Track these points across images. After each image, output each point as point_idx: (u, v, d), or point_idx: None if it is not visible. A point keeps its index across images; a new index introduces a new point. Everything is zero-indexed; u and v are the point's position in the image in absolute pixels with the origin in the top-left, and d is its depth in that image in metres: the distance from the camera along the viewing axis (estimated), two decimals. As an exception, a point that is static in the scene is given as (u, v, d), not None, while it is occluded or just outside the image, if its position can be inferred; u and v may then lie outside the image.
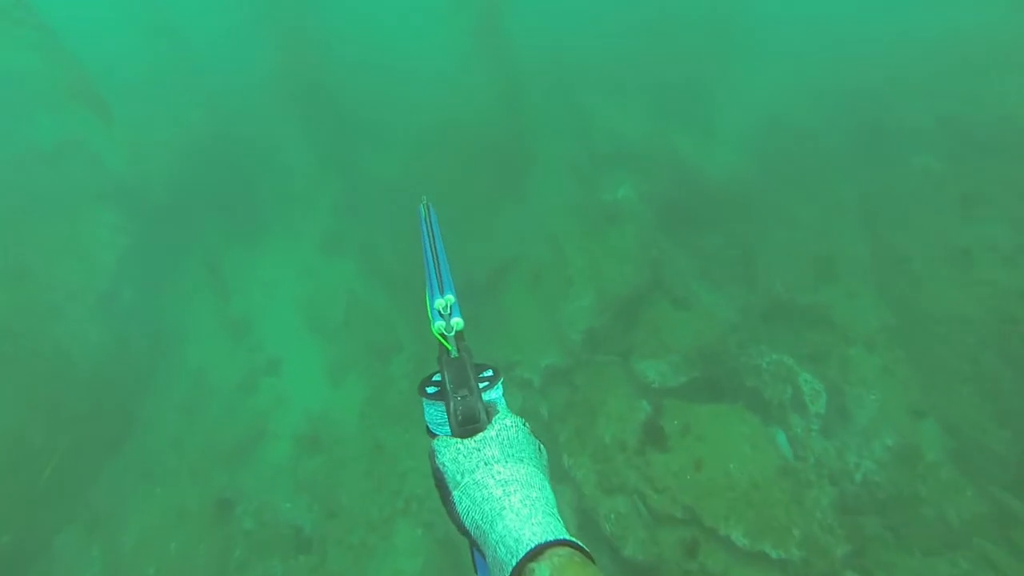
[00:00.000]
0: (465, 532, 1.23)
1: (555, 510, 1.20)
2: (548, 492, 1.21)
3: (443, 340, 1.57)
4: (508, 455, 1.26)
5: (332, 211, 14.02)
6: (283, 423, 10.25)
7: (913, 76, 13.52)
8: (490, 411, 1.39)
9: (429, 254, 1.79)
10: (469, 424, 1.35)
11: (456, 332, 1.59)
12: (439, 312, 1.61)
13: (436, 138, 13.96)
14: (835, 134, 12.86)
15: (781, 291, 9.12)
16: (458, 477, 1.24)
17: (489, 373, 1.51)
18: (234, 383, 10.87)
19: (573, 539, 1.11)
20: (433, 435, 1.44)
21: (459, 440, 1.32)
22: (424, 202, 1.95)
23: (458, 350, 1.54)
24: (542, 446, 1.36)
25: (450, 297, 1.63)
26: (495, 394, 1.49)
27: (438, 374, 1.51)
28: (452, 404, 1.38)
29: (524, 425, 1.37)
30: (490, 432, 1.32)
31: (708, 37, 16.72)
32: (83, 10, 19.52)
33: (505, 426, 1.33)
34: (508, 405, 1.51)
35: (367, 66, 16.84)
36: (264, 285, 12.63)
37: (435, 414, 1.46)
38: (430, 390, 1.48)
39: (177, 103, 14.36)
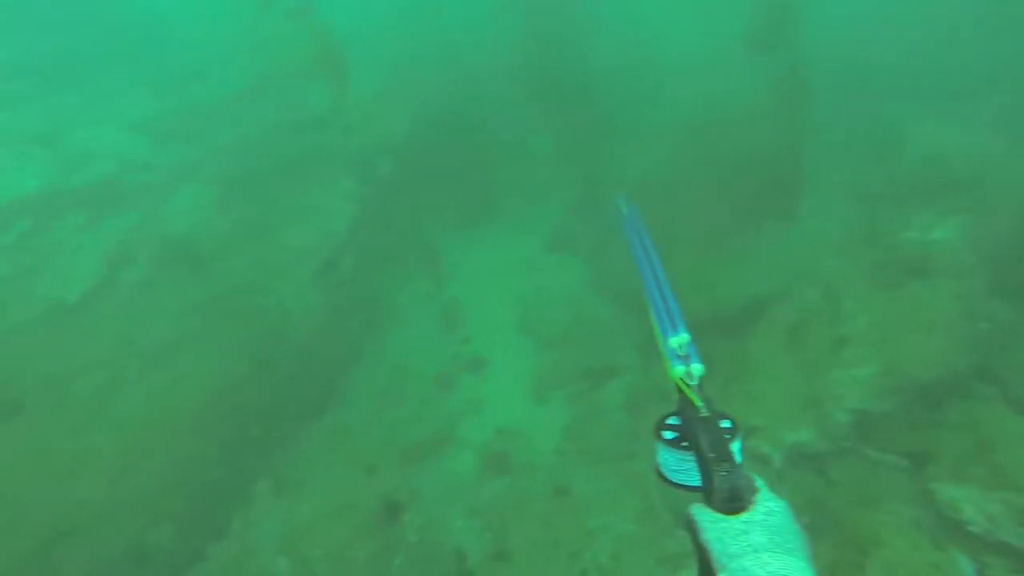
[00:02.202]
0: None
1: None
2: None
3: (686, 389, 1.43)
4: (776, 544, 1.15)
5: (567, 208, 12.89)
6: (473, 431, 9.37)
7: None
8: (752, 487, 1.24)
9: (646, 270, 1.67)
10: (733, 503, 1.21)
11: (698, 379, 1.45)
12: (675, 353, 1.49)
13: (695, 139, 12.07)
14: None
15: None
16: (724, 560, 1.14)
17: (727, 424, 1.39)
18: (434, 375, 10.28)
19: None
20: (668, 481, 1.41)
21: (723, 517, 1.20)
22: (624, 199, 1.87)
23: (706, 405, 1.39)
24: (805, 535, 1.22)
25: (685, 336, 1.53)
26: (735, 449, 1.35)
27: (674, 416, 1.45)
28: (715, 479, 1.25)
29: (789, 509, 1.25)
30: (756, 516, 1.19)
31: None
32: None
33: (771, 510, 1.21)
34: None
35: (629, 50, 15.34)
36: (483, 276, 11.94)
37: (673, 461, 1.41)
38: (667, 435, 1.43)
39: (422, 80, 14.28)
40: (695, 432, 1.37)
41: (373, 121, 12.36)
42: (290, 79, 14.27)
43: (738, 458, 1.36)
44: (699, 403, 1.41)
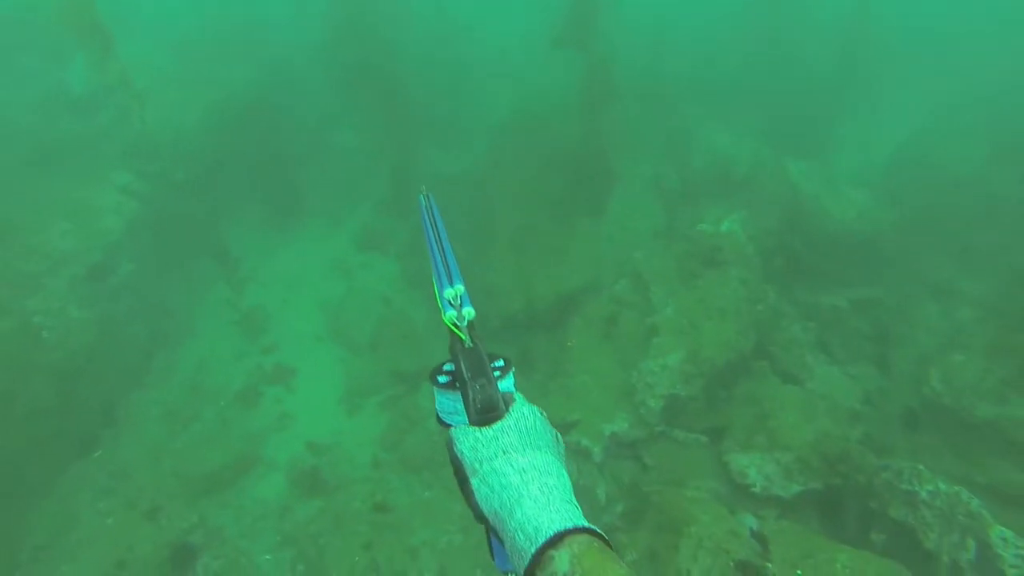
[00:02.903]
0: (483, 519, 1.22)
1: (572, 497, 1.20)
2: (565, 479, 1.22)
3: (456, 329, 1.47)
4: (526, 443, 1.25)
5: (377, 205, 12.25)
6: (281, 449, 8.48)
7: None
8: (507, 400, 1.36)
9: (433, 242, 1.69)
10: (488, 413, 1.31)
11: (468, 322, 1.48)
12: (449, 302, 1.52)
13: (505, 136, 12.05)
14: (995, 171, 10.42)
15: (942, 390, 6.84)
16: (476, 465, 1.24)
17: (501, 363, 1.47)
18: (234, 389, 9.17)
19: (591, 526, 1.11)
20: (446, 424, 1.45)
21: (477, 428, 1.29)
22: (424, 192, 1.85)
23: (472, 339, 1.44)
24: (559, 434, 1.36)
25: (460, 287, 1.54)
26: (508, 383, 1.45)
27: (449, 363, 1.48)
28: (471, 393, 1.34)
29: (541, 414, 1.36)
30: (508, 421, 1.30)
31: (830, 51, 14.39)
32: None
33: (523, 415, 1.32)
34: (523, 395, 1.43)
35: (438, 45, 14.97)
36: (287, 278, 10.93)
37: (447, 403, 1.46)
38: (442, 379, 1.46)
39: (220, 59, 12.77)
40: (458, 362, 1.41)
41: (157, 105, 10.68)
42: (38, 51, 11.96)
43: (511, 387, 1.44)
44: (464, 337, 1.44)
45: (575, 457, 7.34)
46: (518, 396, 1.39)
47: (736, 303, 8.08)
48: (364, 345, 9.73)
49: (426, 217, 1.82)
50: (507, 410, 1.32)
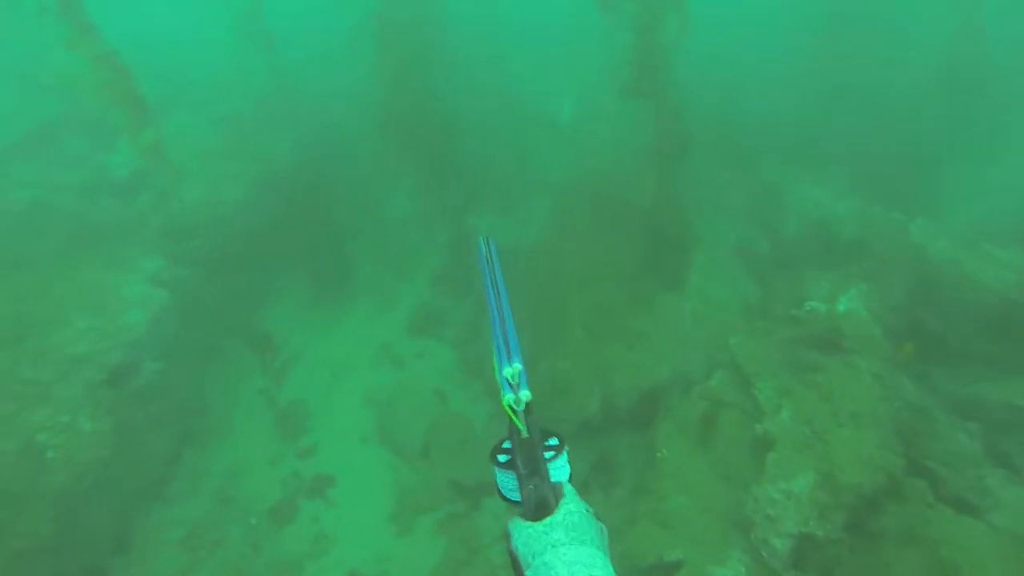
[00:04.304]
0: None
1: None
2: (610, 570, 1.29)
3: (513, 416, 1.55)
4: (573, 538, 1.33)
5: (432, 282, 11.14)
6: (318, 582, 7.17)
7: None
8: (558, 494, 1.44)
9: (494, 305, 1.75)
10: (540, 511, 1.40)
11: (526, 404, 1.54)
12: (508, 381, 1.57)
13: (570, 199, 10.85)
14: None
15: None
16: (529, 559, 1.33)
17: (555, 442, 1.56)
18: (267, 503, 7.97)
19: None
20: (506, 499, 1.54)
21: (530, 524, 1.38)
22: (485, 237, 1.93)
23: (528, 429, 1.54)
24: (604, 527, 1.43)
25: (518, 365, 1.58)
26: (561, 463, 1.55)
27: (508, 440, 1.56)
28: (525, 492, 1.44)
29: (587, 510, 1.43)
30: (557, 517, 1.38)
31: (931, 85, 12.72)
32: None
33: (570, 511, 1.39)
34: (574, 475, 1.57)
35: (495, 101, 14.05)
36: (331, 366, 9.81)
37: (507, 481, 1.53)
38: (502, 459, 1.54)
39: (263, 131, 12.16)
40: (514, 454, 1.52)
41: (195, 184, 10.02)
42: (79, 129, 11.61)
43: (567, 470, 1.57)
44: (521, 425, 1.52)
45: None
46: (568, 490, 1.45)
47: (872, 403, 6.43)
48: (416, 450, 8.44)
49: (486, 268, 1.87)
50: (557, 505, 1.40)
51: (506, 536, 1.42)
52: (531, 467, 1.46)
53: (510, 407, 1.54)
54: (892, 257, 8.78)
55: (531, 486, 1.44)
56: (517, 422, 1.53)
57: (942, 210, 11.04)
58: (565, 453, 1.57)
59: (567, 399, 7.97)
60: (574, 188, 10.97)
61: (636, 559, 6.06)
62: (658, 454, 6.92)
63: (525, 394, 1.54)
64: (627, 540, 6.26)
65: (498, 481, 1.55)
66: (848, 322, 7.33)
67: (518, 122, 13.62)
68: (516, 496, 1.50)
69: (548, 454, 1.52)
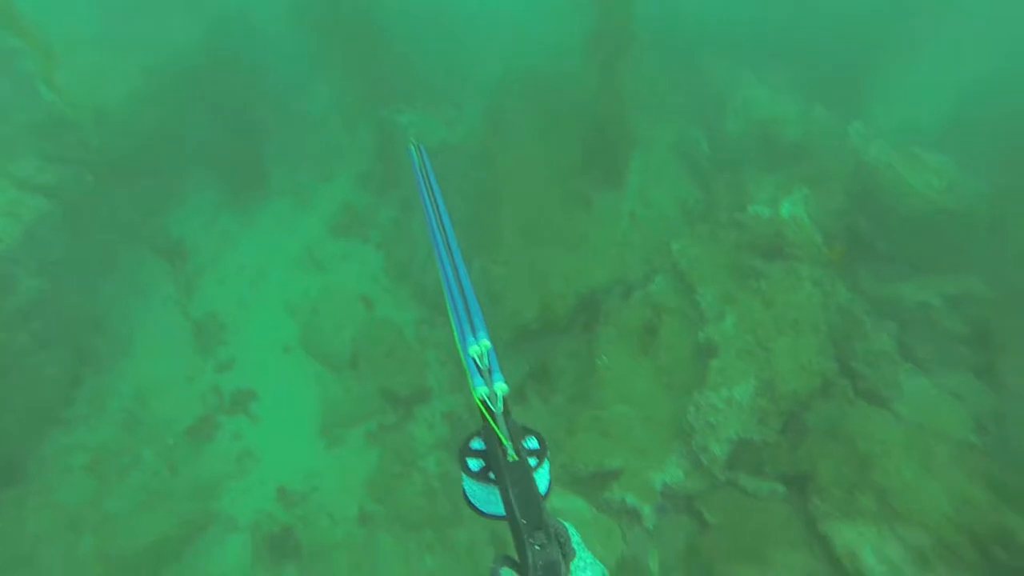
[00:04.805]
0: None
1: None
2: None
3: (490, 418, 1.30)
4: None
5: (356, 181, 10.29)
6: (244, 502, 6.82)
7: None
8: (567, 553, 1.20)
9: (440, 245, 1.57)
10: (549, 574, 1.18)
11: (503, 399, 1.32)
12: (475, 362, 1.37)
13: (504, 96, 10.06)
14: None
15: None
16: None
17: (535, 444, 1.34)
18: (184, 425, 7.41)
19: None
20: (476, 510, 1.35)
21: None
22: (414, 143, 1.77)
23: (516, 449, 1.27)
24: (605, 571, 1.28)
25: (485, 343, 1.38)
26: (543, 477, 1.32)
27: (477, 439, 1.37)
28: (529, 553, 1.18)
29: (595, 562, 1.28)
30: None
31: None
32: None
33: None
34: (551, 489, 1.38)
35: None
36: (247, 274, 9.04)
37: (481, 491, 1.33)
38: (473, 465, 1.33)
39: (155, 15, 10.49)
40: (504, 482, 1.28)
41: (73, 72, 8.58)
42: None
43: (548, 478, 1.35)
44: (506, 440, 1.30)
45: (617, 518, 5.75)
46: (577, 545, 1.27)
47: (812, 311, 6.42)
48: (343, 359, 7.98)
49: (422, 184, 1.68)
50: (567, 567, 1.18)
51: None
52: (530, 515, 1.21)
53: (484, 405, 1.33)
54: (832, 161, 8.65)
55: (536, 545, 1.19)
56: (500, 434, 1.29)
57: (866, 111, 10.90)
58: (547, 464, 1.35)
59: (502, 305, 7.62)
60: (507, 85, 10.16)
61: (576, 469, 5.98)
62: (597, 361, 6.76)
63: (501, 388, 1.33)
64: (567, 449, 6.16)
65: (467, 488, 1.35)
66: (790, 228, 7.20)
67: (449, 12, 12.39)
68: (495, 510, 1.32)
69: (532, 460, 1.32)
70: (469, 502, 1.39)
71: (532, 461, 1.31)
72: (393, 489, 6.71)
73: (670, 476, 5.78)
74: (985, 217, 7.59)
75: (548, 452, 1.37)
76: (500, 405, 1.34)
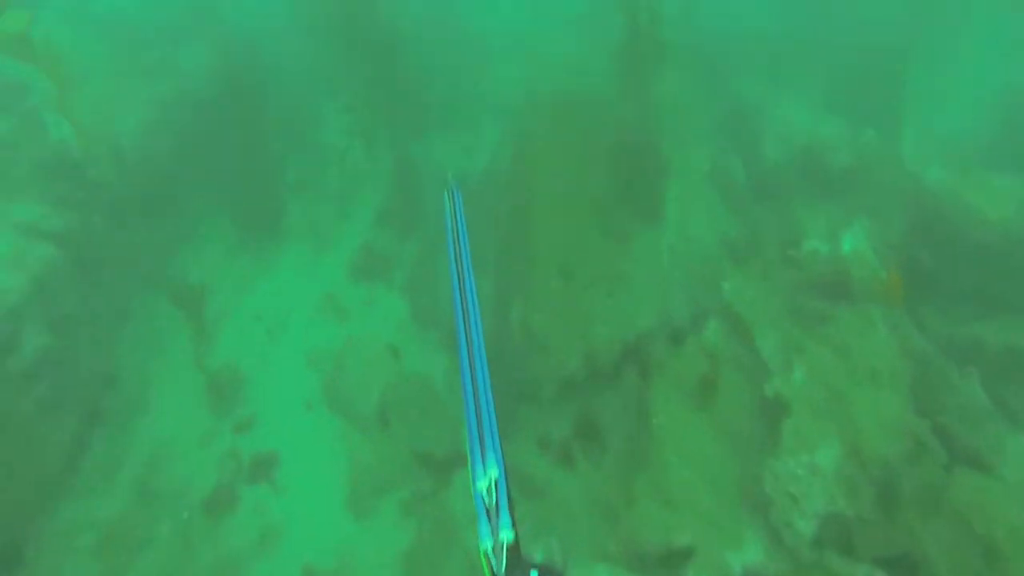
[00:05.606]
0: None
1: None
2: None
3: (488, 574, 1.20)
4: None
5: (376, 216, 9.78)
6: (267, 582, 6.20)
7: None
8: None
9: (464, 346, 1.51)
10: None
11: (508, 548, 1.21)
12: (482, 498, 1.28)
13: (534, 121, 9.51)
14: None
15: None
16: None
17: None
18: (200, 495, 6.83)
19: None
20: None
21: None
22: (450, 182, 1.70)
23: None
24: None
25: (494, 470, 1.28)
26: None
27: None
28: None
29: None
30: None
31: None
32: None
33: None
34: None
35: (443, 15, 12.22)
36: (265, 323, 8.51)
37: None
38: None
39: (167, 43, 10.05)
40: None
41: (81, 104, 8.15)
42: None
43: None
44: None
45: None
46: None
47: (890, 360, 5.81)
48: (371, 416, 7.40)
49: (451, 242, 1.70)
50: None
51: None
52: None
53: (488, 559, 1.25)
54: (889, 188, 8.06)
55: None
56: None
57: (916, 124, 10.27)
58: None
59: (544, 355, 7.03)
60: (534, 107, 9.65)
61: (640, 545, 5.36)
62: (654, 421, 6.15)
63: (507, 533, 1.26)
64: (627, 522, 5.54)
65: None
66: (855, 264, 6.61)
67: (467, 33, 11.96)
68: None
69: None
70: None
71: None
72: (433, 567, 6.09)
73: (749, 556, 5.14)
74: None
75: None
76: (504, 564, 1.25)
